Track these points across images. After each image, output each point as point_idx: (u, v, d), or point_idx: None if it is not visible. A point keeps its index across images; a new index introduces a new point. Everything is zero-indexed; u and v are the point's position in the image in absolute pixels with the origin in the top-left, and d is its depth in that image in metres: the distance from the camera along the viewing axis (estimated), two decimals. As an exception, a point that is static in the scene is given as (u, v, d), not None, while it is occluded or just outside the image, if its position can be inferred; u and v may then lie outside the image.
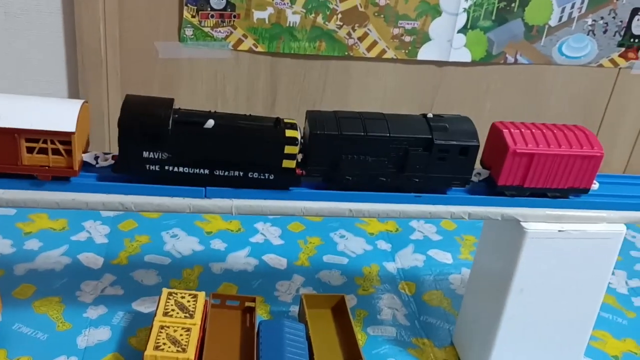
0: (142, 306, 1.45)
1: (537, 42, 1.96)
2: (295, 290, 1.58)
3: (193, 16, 1.76)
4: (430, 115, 1.13)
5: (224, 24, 1.78)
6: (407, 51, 1.90)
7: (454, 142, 1.10)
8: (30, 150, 1.00)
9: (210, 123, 1.03)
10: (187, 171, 1.05)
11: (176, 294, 1.32)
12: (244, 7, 1.76)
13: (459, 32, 1.89)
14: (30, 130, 0.99)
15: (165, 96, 1.07)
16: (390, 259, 1.74)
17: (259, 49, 1.83)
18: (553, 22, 1.93)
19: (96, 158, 1.10)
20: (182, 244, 1.69)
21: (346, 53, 1.88)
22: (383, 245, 1.80)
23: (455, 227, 1.92)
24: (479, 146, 1.11)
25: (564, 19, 1.93)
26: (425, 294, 1.62)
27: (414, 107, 1.99)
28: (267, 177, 1.07)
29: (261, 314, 1.48)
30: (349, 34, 1.84)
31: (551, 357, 1.31)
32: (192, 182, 1.07)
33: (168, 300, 1.30)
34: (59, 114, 1.00)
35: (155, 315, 1.26)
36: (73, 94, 1.81)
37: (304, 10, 1.79)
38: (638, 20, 1.97)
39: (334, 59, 1.89)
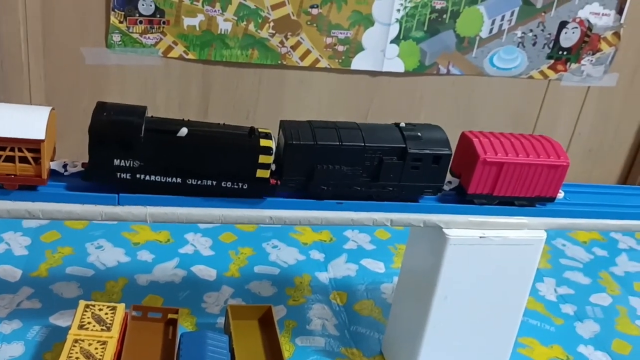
0: (61, 320, 1.39)
1: (468, 54, 1.98)
2: (223, 301, 1.54)
3: (121, 22, 1.71)
4: (402, 124, 1.14)
5: (153, 30, 1.74)
6: (340, 61, 1.90)
7: (428, 151, 1.11)
8: None
9: (184, 131, 1.01)
10: (158, 180, 1.03)
11: (94, 306, 1.27)
12: (174, 13, 1.73)
13: (391, 42, 1.90)
14: None
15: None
16: (323, 268, 1.72)
17: (190, 56, 1.80)
18: (484, 33, 1.96)
19: (64, 166, 1.06)
20: (107, 255, 1.63)
21: (279, 62, 1.86)
22: (316, 255, 1.78)
23: (389, 236, 1.92)
24: (451, 154, 1.12)
25: (495, 30, 1.96)
26: (356, 303, 1.60)
27: (349, 116, 1.97)
28: (240, 186, 1.06)
29: (187, 326, 1.44)
30: (281, 42, 1.83)
31: (476, 364, 1.31)
32: (164, 191, 1.04)
33: (85, 313, 1.25)
34: (27, 121, 0.96)
35: (70, 328, 1.21)
36: (-6, 100, 1.74)
37: (236, 18, 1.77)
38: (566, 33, 2.02)
39: (267, 68, 1.88)
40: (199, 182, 1.05)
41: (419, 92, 2.02)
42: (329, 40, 1.86)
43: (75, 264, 1.58)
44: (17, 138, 0.95)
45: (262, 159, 1.04)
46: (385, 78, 1.97)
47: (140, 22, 1.73)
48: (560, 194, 1.21)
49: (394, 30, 1.89)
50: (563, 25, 2.01)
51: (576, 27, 2.02)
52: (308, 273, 1.69)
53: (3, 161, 0.97)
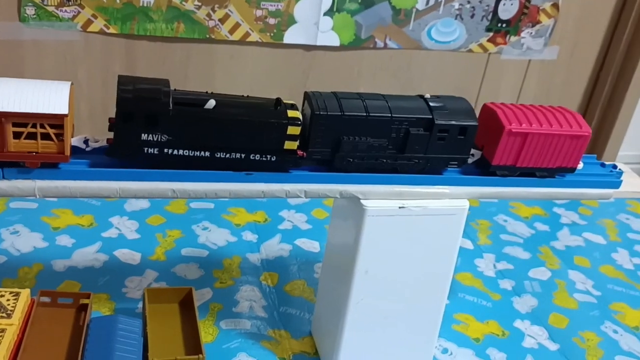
0: (-36, 309, 1.30)
1: (405, 27, 1.93)
2: (146, 286, 1.46)
3: (34, -6, 1.62)
4: (427, 95, 1.12)
5: (70, 2, 1.65)
6: (272, 34, 1.83)
7: (454, 122, 1.09)
8: (17, 135, 0.92)
9: (212, 104, 0.99)
10: (187, 154, 1.01)
11: (-6, 292, 1.18)
12: (91, -16, 1.64)
13: (325, 14, 1.84)
14: (19, 113, 0.90)
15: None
16: (255, 250, 1.66)
17: (111, 30, 1.71)
18: (420, 5, 1.90)
19: (86, 142, 1.02)
20: (23, 240, 1.54)
21: (207, 35, 1.78)
22: (249, 236, 1.71)
23: (327, 215, 1.86)
24: (477, 126, 1.10)
25: (431, 2, 1.91)
26: (287, 284, 1.54)
27: (284, 92, 1.89)
28: (268, 158, 1.04)
29: (104, 312, 1.36)
30: (208, 15, 1.75)
31: (404, 340, 1.26)
32: (192, 165, 1.02)
33: (-17, 300, 1.16)
34: (48, 96, 0.92)
35: (-34, 317, 1.13)
36: None
37: (158, -11, 1.68)
38: (504, 4, 1.98)
39: (196, 42, 1.80)
40: (228, 156, 1.02)
41: (356, 67, 1.97)
42: (259, 12, 1.79)
43: (-14, 250, 1.49)
44: (40, 113, 0.91)
45: (291, 130, 1.03)
46: (321, 52, 1.91)
47: (55, -7, 1.63)
48: (580, 165, 1.20)
49: (327, 1, 1.82)
50: (501, -4, 1.97)
51: (515, -1, 1.98)
52: (238, 255, 1.63)
53: (24, 138, 0.92)
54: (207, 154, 1.02)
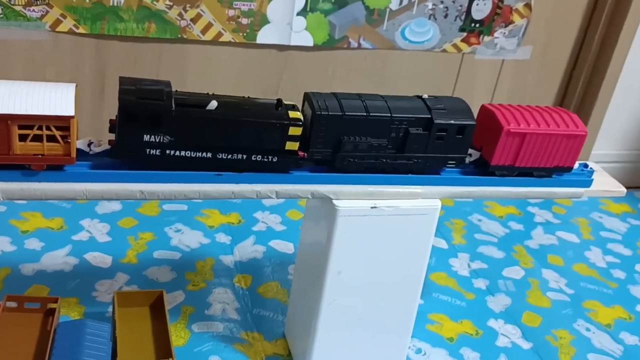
0: None
1: (379, 27, 1.92)
2: (117, 289, 1.44)
3: (1, -7, 1.58)
4: (425, 96, 1.13)
5: (38, 2, 1.62)
6: (245, 34, 1.81)
7: (453, 122, 1.10)
8: (23, 137, 0.92)
9: (214, 104, 0.99)
10: (189, 155, 1.01)
11: (-42, 298, 1.16)
12: (60, -17, 1.61)
13: (298, 14, 1.83)
14: (25, 115, 0.90)
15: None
16: (229, 252, 1.64)
17: (81, 30, 1.68)
18: (394, 5, 1.90)
19: (89, 144, 1.02)
20: (-10, 244, 1.51)
21: (179, 35, 1.76)
22: (222, 238, 1.70)
23: (302, 216, 1.85)
24: (475, 125, 1.11)
25: (405, 2, 1.90)
26: (261, 286, 1.53)
27: (258, 93, 1.88)
28: (270, 159, 1.04)
29: (74, 316, 1.34)
30: (180, 14, 1.73)
31: (377, 340, 1.25)
32: (194, 166, 1.02)
33: (-54, 306, 1.13)
34: (54, 98, 0.92)
35: None
36: None
37: (128, -12, 1.66)
38: (477, 4, 1.98)
39: (167, 42, 1.77)
40: (230, 156, 1.02)
41: (330, 67, 1.95)
42: (231, 12, 1.77)
43: (-48, 255, 1.46)
44: (46, 115, 0.90)
45: (292, 130, 1.03)
46: (294, 52, 1.90)
47: (23, -7, 1.60)
48: (576, 165, 1.22)
49: (300, 1, 1.81)
50: (474, -4, 1.97)
51: (488, -1, 1.98)
52: (212, 257, 1.61)
53: (30, 141, 0.92)
54: (209, 154, 1.02)
